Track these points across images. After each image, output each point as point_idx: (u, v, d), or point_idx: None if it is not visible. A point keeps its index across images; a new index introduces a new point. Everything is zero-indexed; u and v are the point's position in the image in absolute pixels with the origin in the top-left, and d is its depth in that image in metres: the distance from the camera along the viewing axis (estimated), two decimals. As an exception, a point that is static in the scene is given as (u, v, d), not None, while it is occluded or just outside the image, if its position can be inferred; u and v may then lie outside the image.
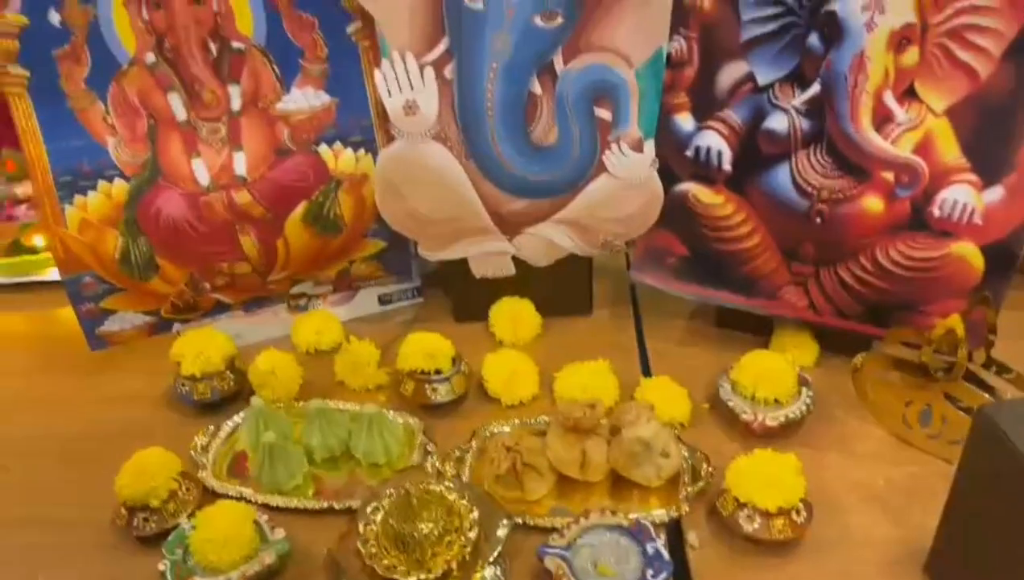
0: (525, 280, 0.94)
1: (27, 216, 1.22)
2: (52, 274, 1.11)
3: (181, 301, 0.89)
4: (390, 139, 0.86)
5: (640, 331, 0.97)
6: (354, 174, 0.88)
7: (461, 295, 0.98)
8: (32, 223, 1.18)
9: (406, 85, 0.81)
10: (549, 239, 0.90)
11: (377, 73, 0.81)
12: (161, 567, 0.66)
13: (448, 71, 0.81)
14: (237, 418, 0.82)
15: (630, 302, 1.02)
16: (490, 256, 0.92)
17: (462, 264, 0.93)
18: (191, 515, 0.70)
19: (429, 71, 0.81)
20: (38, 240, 1.13)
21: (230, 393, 0.85)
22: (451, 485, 0.68)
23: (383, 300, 1.01)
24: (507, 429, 0.79)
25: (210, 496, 0.74)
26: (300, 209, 0.88)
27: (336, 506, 0.73)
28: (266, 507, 0.72)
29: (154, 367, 0.90)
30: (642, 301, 1.01)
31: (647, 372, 0.89)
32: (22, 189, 1.25)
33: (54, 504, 0.76)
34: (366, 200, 0.89)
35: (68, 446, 0.83)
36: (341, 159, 0.88)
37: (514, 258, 0.93)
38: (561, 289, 0.95)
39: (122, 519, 0.71)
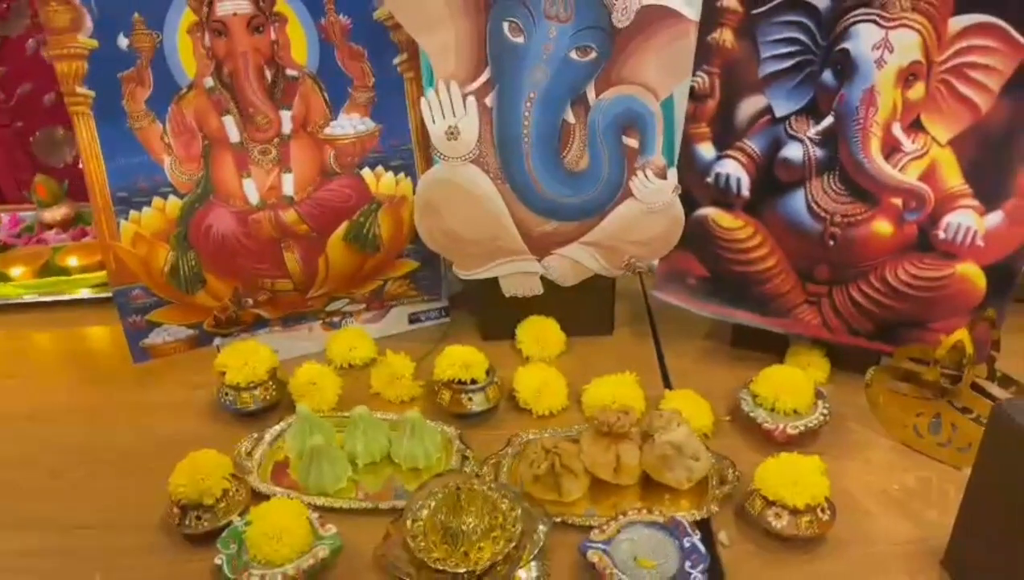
0: (550, 300, 0.98)
1: (57, 240, 1.25)
2: (83, 293, 1.14)
3: (224, 315, 0.92)
4: (428, 164, 0.90)
5: (659, 350, 1.00)
6: (393, 196, 0.92)
7: (488, 314, 1.02)
8: (64, 246, 1.22)
9: (449, 112, 0.86)
10: (576, 260, 0.94)
11: (423, 100, 0.86)
12: (218, 561, 0.67)
13: (489, 99, 0.86)
14: (279, 426, 0.85)
15: (648, 323, 1.05)
16: (520, 276, 0.96)
17: (489, 284, 0.97)
18: (242, 514, 0.72)
19: (471, 99, 0.86)
20: (72, 261, 1.16)
21: (271, 403, 0.88)
22: (493, 486, 0.71)
23: (412, 319, 1.04)
24: (543, 435, 0.83)
25: (257, 499, 0.76)
26: (342, 228, 0.91)
27: (381, 506, 0.76)
28: (312, 507, 0.74)
29: (190, 380, 0.94)
30: (659, 322, 1.05)
31: (668, 387, 0.93)
32: (50, 215, 1.29)
33: (104, 508, 0.78)
34: (403, 221, 0.93)
35: (114, 454, 0.85)
36: (382, 182, 0.92)
37: (541, 278, 0.97)
38: (584, 309, 0.99)
39: (174, 518, 0.73)
